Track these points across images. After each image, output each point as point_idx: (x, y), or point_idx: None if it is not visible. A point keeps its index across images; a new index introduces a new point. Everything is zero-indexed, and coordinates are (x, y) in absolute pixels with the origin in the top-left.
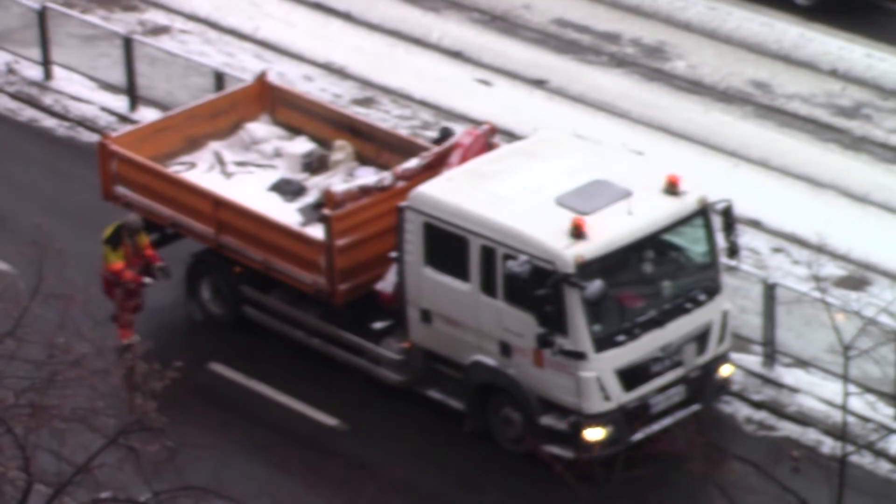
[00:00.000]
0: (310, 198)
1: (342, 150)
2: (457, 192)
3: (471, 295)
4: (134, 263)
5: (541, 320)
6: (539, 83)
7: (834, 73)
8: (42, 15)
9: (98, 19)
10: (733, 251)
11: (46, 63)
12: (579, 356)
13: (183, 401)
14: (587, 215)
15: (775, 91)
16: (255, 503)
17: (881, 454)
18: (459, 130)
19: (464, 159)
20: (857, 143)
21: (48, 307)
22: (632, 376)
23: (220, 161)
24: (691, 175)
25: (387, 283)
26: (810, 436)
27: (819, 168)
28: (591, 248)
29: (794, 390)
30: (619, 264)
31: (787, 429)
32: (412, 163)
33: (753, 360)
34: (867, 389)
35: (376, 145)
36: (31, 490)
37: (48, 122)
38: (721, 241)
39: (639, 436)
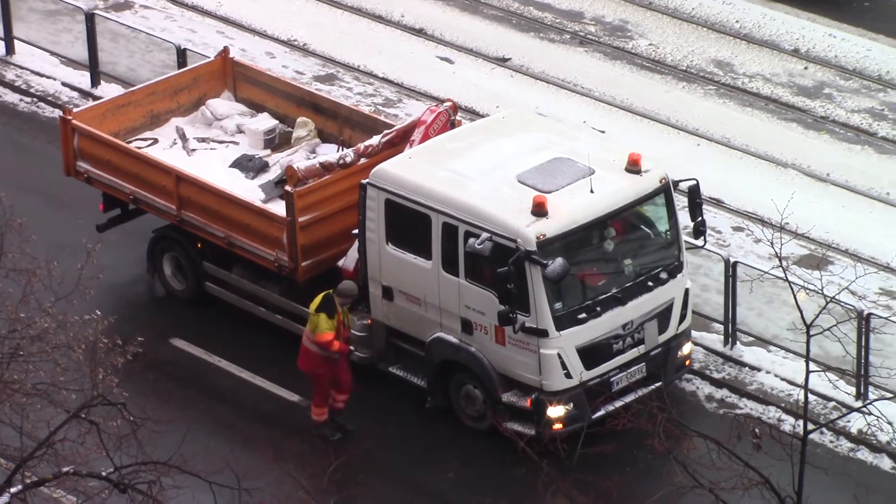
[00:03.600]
0: (272, 174)
1: (304, 126)
2: (419, 169)
3: (432, 272)
4: (342, 334)
5: (502, 298)
6: (501, 61)
7: (796, 53)
8: None
9: None
10: (699, 231)
11: (8, 38)
12: (541, 334)
13: (145, 376)
14: (549, 193)
15: (737, 70)
16: (218, 478)
17: (841, 433)
18: (422, 108)
19: (426, 137)
20: (819, 123)
21: (10, 282)
22: (593, 354)
23: (183, 137)
24: (653, 153)
25: (349, 260)
26: (771, 414)
27: (781, 147)
28: (552, 225)
29: (755, 368)
30: (580, 242)
31: (749, 406)
32: (374, 140)
33: (715, 339)
34: (828, 368)
35: (338, 122)
36: None
37: (10, 97)
38: (687, 220)
39: (600, 413)
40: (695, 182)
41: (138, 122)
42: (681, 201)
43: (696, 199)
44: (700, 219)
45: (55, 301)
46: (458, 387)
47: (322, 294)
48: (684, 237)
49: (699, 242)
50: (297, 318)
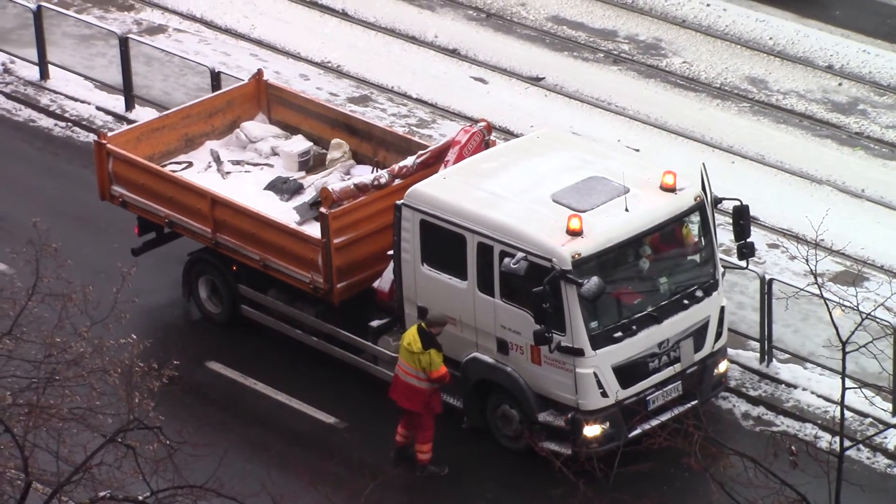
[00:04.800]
0: (306, 196)
1: (339, 148)
2: (453, 189)
3: (468, 292)
4: None
5: (538, 317)
6: (535, 80)
7: (830, 69)
8: (38, 15)
9: (94, 19)
10: (743, 254)
11: (43, 63)
12: (577, 353)
13: (181, 400)
14: (584, 212)
15: (771, 87)
16: (253, 501)
17: (878, 449)
18: (456, 128)
19: (460, 157)
20: (854, 139)
21: (45, 306)
22: (629, 372)
23: (217, 160)
24: (688, 171)
25: (384, 281)
26: (808, 431)
27: (815, 164)
28: (587, 245)
29: (791, 386)
30: (615, 261)
31: (785, 424)
32: (409, 161)
33: (751, 356)
34: (864, 384)
35: (373, 143)
36: (30, 489)
37: (45, 121)
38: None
39: (637, 432)
40: (739, 202)
41: (173, 145)
42: (723, 219)
43: (740, 220)
44: (745, 241)
45: (91, 325)
46: (495, 407)
47: (414, 331)
48: (723, 255)
49: (741, 264)
50: (333, 339)
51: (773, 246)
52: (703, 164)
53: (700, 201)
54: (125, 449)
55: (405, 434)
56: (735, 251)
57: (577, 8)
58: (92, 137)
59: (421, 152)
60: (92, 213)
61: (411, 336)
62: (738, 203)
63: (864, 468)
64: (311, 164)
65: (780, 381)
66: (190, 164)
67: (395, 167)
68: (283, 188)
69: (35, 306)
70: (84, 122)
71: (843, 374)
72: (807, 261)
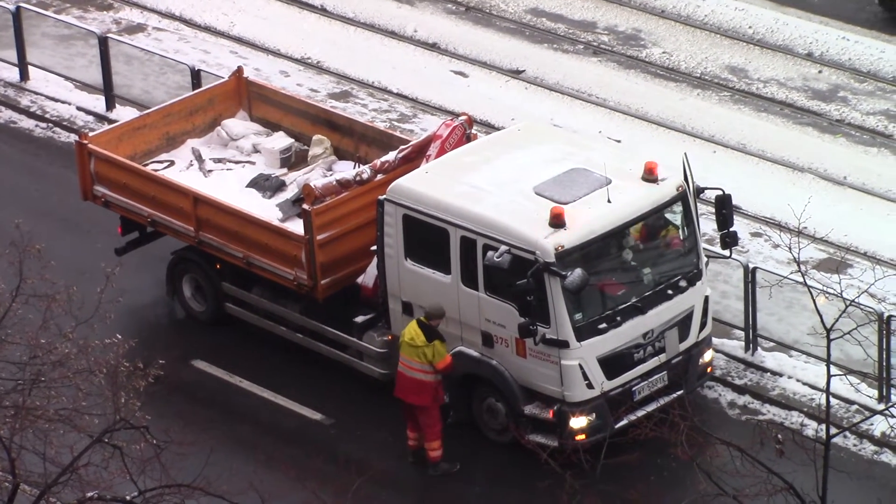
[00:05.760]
0: (289, 193)
1: (320, 144)
2: (436, 183)
3: (451, 286)
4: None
5: (522, 310)
6: (515, 73)
7: (809, 57)
8: (17, 15)
9: (73, 19)
10: (727, 243)
11: (22, 64)
12: (562, 345)
13: (167, 399)
14: (566, 204)
15: (751, 76)
16: (241, 499)
17: (865, 436)
18: (437, 122)
19: (442, 151)
20: (834, 126)
21: (30, 308)
22: (614, 364)
23: (199, 158)
24: (669, 162)
25: (368, 277)
26: (794, 419)
27: (797, 151)
28: (570, 237)
29: (776, 374)
30: (599, 252)
31: (771, 412)
32: (390, 156)
33: (735, 345)
34: (850, 371)
35: (354, 139)
36: (18, 491)
37: (26, 123)
38: (712, 229)
39: (623, 423)
40: (721, 192)
41: (154, 144)
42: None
43: (722, 209)
44: (728, 230)
45: (75, 326)
46: (480, 400)
47: (414, 326)
48: (707, 245)
49: (725, 253)
50: (318, 336)
51: (755, 234)
52: (685, 154)
53: (682, 191)
54: (112, 449)
55: (415, 436)
56: (718, 240)
57: (556, 0)
58: (73, 138)
59: (402, 147)
60: (74, 214)
61: (413, 331)
62: (720, 192)
63: (851, 455)
64: (293, 160)
65: (765, 370)
66: (172, 163)
67: (377, 162)
68: (266, 185)
69: (19, 308)
70: (65, 123)
71: (829, 362)
72: (790, 249)
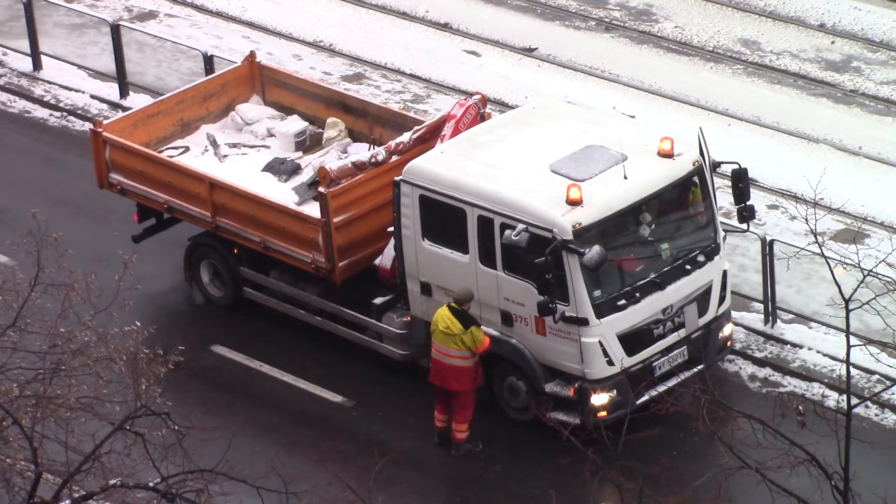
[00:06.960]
0: (304, 176)
1: (334, 127)
2: (451, 163)
3: (470, 266)
4: None
5: (541, 288)
6: (528, 51)
7: (822, 28)
8: (28, 5)
9: (84, 7)
10: (744, 217)
11: (35, 53)
12: (581, 322)
13: (188, 384)
14: (583, 181)
15: (764, 48)
16: (264, 483)
17: (886, 405)
18: (451, 102)
19: (456, 131)
20: (849, 97)
21: (48, 297)
22: (634, 340)
23: (214, 143)
24: (685, 136)
25: (386, 258)
26: (815, 390)
27: (812, 123)
28: (588, 214)
29: (796, 346)
30: (616, 229)
31: (792, 384)
32: (405, 136)
33: (755, 318)
34: (869, 341)
35: (368, 121)
36: (40, 480)
37: (40, 112)
38: (729, 203)
39: (644, 398)
40: (737, 166)
41: (169, 130)
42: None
43: (739, 183)
44: (745, 204)
45: (95, 314)
46: (501, 379)
47: (447, 312)
48: (724, 219)
49: (742, 226)
50: (336, 318)
51: (772, 207)
52: (700, 129)
53: (698, 166)
54: (134, 436)
55: (444, 419)
56: (735, 214)
57: None
58: (88, 126)
59: (417, 128)
60: (91, 202)
61: (447, 319)
62: (736, 166)
63: (873, 425)
64: (308, 143)
65: (785, 342)
66: (186, 149)
67: (392, 144)
68: (281, 169)
69: (38, 297)
70: (79, 112)
71: (848, 332)
72: (806, 220)
